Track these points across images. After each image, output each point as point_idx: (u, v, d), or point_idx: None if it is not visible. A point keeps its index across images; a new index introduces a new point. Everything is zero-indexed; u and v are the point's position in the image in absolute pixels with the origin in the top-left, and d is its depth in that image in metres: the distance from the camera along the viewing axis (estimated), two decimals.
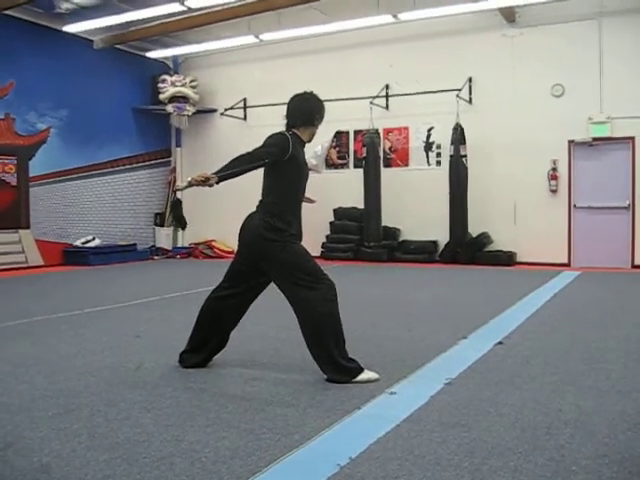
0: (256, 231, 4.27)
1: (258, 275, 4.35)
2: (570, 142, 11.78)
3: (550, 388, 3.97)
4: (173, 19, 12.43)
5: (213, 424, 3.37)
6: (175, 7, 11.03)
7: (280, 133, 4.37)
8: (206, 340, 4.54)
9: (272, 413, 3.53)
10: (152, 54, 14.53)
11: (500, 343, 5.22)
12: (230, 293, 4.44)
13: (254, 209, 4.45)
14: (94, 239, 13.40)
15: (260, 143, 4.35)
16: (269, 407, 3.64)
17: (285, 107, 4.58)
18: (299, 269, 4.21)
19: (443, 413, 3.50)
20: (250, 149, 4.25)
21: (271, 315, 6.20)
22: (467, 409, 3.56)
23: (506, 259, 11.90)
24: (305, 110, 4.48)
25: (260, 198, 4.41)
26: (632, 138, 11.32)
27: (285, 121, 4.49)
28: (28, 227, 12.53)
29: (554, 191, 11.88)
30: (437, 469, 2.78)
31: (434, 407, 3.60)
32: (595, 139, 11.56)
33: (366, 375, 4.17)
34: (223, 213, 14.42)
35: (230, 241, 13.51)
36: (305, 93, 4.62)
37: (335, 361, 4.14)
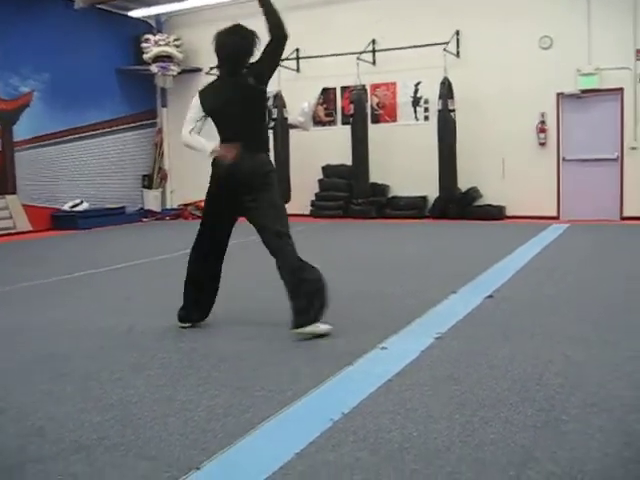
0: (262, 163, 4.38)
1: (235, 211, 4.45)
2: (559, 94, 11.70)
3: (539, 340, 4.00)
4: None
5: (205, 383, 3.39)
6: None
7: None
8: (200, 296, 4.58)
9: (264, 371, 3.55)
10: (134, 13, 14.27)
11: (490, 297, 5.25)
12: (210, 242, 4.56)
13: None
14: (82, 203, 13.30)
15: None
16: (261, 365, 3.66)
17: None
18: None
19: (434, 367, 3.52)
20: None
21: (253, 272, 6.20)
22: (458, 362, 3.59)
23: (495, 213, 11.91)
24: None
25: (242, 136, 4.34)
26: (621, 89, 11.25)
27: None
28: (15, 192, 12.43)
29: (543, 144, 11.84)
30: (429, 422, 2.81)
31: (425, 361, 3.63)
32: (583, 91, 11.48)
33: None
34: (208, 173, 14.32)
35: None
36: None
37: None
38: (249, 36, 4.45)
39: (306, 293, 4.19)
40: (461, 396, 3.09)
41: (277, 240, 4.28)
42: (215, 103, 4.45)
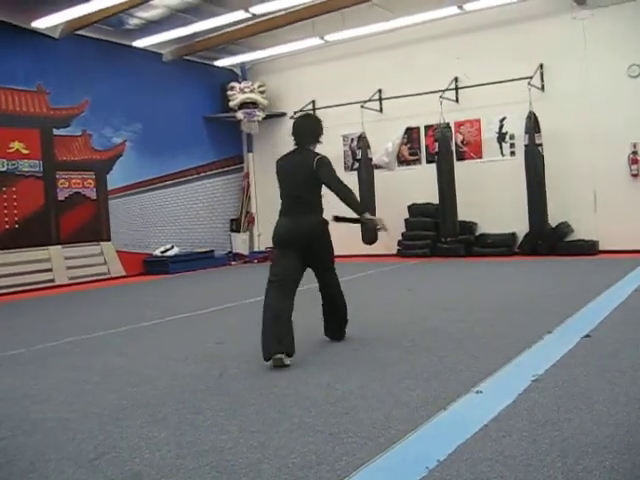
0: (318, 223, 5.26)
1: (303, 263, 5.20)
2: None
3: None
4: (238, 27, 12.57)
5: (298, 429, 3.37)
6: (240, 15, 11.17)
7: (323, 155, 5.27)
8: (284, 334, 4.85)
9: (357, 416, 3.51)
10: (220, 62, 14.75)
11: (587, 336, 5.05)
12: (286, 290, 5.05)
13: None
14: (173, 247, 13.67)
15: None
16: (353, 410, 3.61)
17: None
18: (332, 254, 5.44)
19: (532, 411, 3.40)
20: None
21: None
22: (557, 406, 3.46)
23: (588, 248, 11.56)
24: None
25: (295, 205, 5.29)
26: None
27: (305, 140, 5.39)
28: (109, 239, 12.89)
29: (635, 175, 11.47)
30: (529, 470, 2.70)
31: (522, 405, 3.50)
32: None
33: None
34: None
35: None
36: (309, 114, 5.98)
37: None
38: (312, 121, 5.59)
39: (343, 315, 5.52)
40: (562, 443, 2.96)
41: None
42: (285, 166, 5.42)
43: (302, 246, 5.12)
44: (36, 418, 3.87)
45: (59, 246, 12.03)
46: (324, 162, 5.19)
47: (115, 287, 11.57)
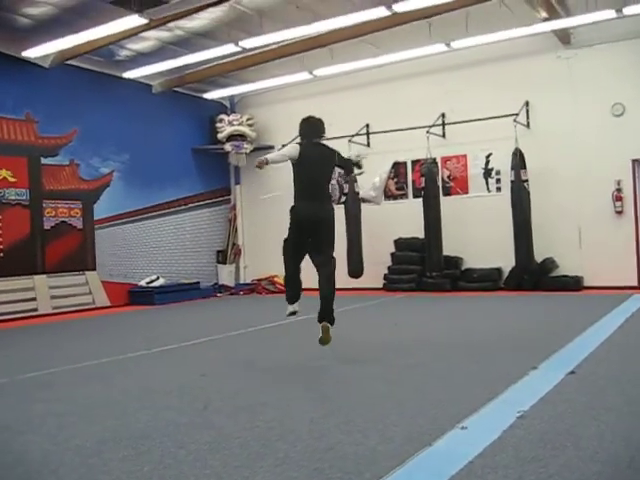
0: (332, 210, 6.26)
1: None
2: (634, 161, 11.52)
3: (628, 419, 3.82)
4: (228, 60, 12.68)
5: (282, 464, 3.33)
6: (230, 48, 11.25)
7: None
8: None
9: (341, 451, 3.48)
10: (209, 95, 14.83)
11: (572, 372, 5.06)
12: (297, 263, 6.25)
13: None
14: (158, 278, 13.62)
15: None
16: (338, 445, 3.58)
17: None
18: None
19: (518, 447, 3.39)
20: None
21: (327, 356, 6.17)
22: (543, 443, 3.44)
23: (573, 284, 11.62)
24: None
25: (316, 191, 6.22)
26: None
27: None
28: (94, 269, 12.82)
29: (620, 212, 11.59)
30: None
31: (508, 442, 3.49)
32: None
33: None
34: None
35: None
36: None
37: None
38: (320, 120, 6.58)
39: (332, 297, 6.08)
40: (548, 479, 2.95)
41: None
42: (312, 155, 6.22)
43: (316, 228, 6.06)
44: (18, 450, 3.82)
45: (44, 275, 11.96)
46: (341, 154, 6.49)
47: (99, 317, 11.48)
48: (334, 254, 6.23)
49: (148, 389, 5.28)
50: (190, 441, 3.79)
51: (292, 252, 6.19)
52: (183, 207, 14.77)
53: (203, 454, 3.55)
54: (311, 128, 6.39)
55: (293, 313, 6.32)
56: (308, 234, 6.11)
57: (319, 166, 6.19)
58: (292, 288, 6.32)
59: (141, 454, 3.60)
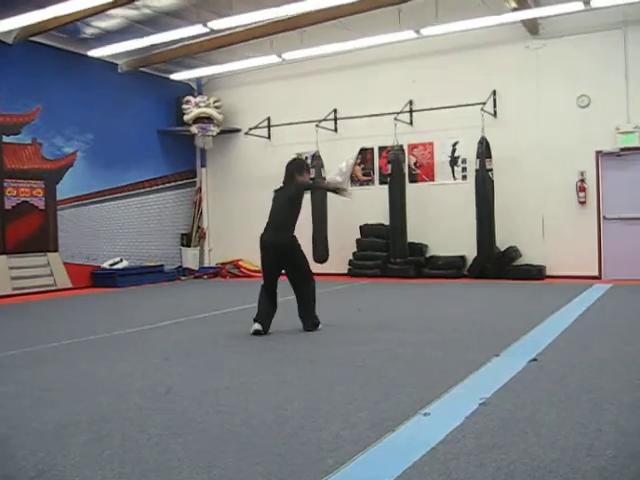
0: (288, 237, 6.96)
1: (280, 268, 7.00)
2: (598, 153, 11.66)
3: (588, 407, 3.86)
4: (196, 41, 12.53)
5: (245, 449, 3.32)
6: (198, 29, 11.09)
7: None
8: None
9: (304, 437, 3.47)
10: (176, 76, 14.64)
11: (534, 360, 5.12)
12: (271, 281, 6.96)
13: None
14: (122, 261, 13.48)
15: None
16: (301, 431, 3.57)
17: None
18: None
19: (480, 434, 3.41)
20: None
21: (293, 340, 6.16)
22: (504, 430, 3.48)
23: (535, 273, 11.76)
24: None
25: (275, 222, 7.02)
26: None
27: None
28: (56, 250, 12.64)
29: (583, 203, 11.74)
30: None
31: (470, 428, 3.51)
32: (623, 149, 11.43)
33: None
34: (250, 233, 14.42)
35: (257, 260, 13.53)
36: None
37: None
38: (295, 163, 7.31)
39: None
40: (509, 466, 2.97)
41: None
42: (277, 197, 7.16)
43: (276, 252, 6.92)
44: None
45: (4, 256, 11.75)
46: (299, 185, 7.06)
47: (61, 299, 11.33)
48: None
49: (110, 372, 5.22)
50: (151, 425, 3.75)
51: (265, 272, 6.98)
52: (148, 189, 14.61)
53: (164, 439, 3.51)
54: (285, 174, 7.13)
55: (257, 332, 6.67)
56: (272, 257, 6.92)
57: (279, 203, 7.04)
58: (261, 303, 6.87)
59: (101, 438, 3.55)
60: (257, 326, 6.68)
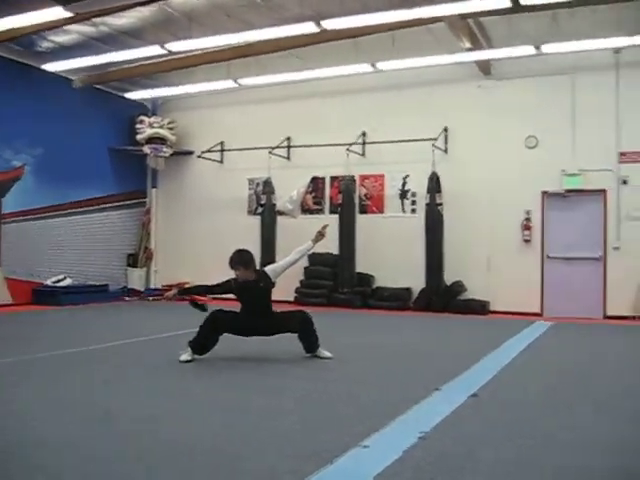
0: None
1: None
2: (544, 193, 11.94)
3: (527, 444, 3.91)
4: (153, 61, 12.50)
5: (183, 477, 3.27)
6: (156, 50, 11.07)
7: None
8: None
9: (241, 467, 3.44)
10: (131, 95, 14.56)
11: (474, 395, 5.17)
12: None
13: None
14: (65, 278, 13.22)
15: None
16: (238, 460, 3.54)
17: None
18: None
19: (418, 468, 3.43)
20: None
21: (234, 367, 6.11)
22: (441, 465, 3.50)
23: (479, 307, 11.93)
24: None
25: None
26: (604, 190, 11.51)
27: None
28: None
29: (527, 241, 11.99)
30: None
31: (408, 462, 3.53)
32: (568, 191, 11.73)
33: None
34: (197, 255, 14.36)
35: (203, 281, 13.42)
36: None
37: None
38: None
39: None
40: None
41: None
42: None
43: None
44: None
45: None
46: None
47: (1, 315, 11.04)
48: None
49: (45, 396, 5.09)
50: (89, 451, 3.67)
51: (232, 321, 6.66)
52: (96, 207, 14.40)
53: (100, 467, 3.44)
54: (243, 264, 6.75)
55: (189, 361, 6.45)
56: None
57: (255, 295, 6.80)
58: (202, 335, 6.51)
59: (37, 467, 3.43)
60: (188, 356, 6.47)
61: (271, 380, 5.80)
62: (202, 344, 6.51)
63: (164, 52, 11.18)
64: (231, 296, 6.82)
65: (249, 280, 6.66)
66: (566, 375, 6.29)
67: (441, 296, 12.08)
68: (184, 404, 4.77)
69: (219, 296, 7.44)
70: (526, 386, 5.67)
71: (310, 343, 6.84)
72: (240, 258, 6.66)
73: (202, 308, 6.68)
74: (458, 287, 12.24)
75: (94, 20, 10.67)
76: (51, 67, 12.50)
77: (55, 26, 10.53)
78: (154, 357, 6.93)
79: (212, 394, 5.20)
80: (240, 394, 5.20)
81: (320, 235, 7.22)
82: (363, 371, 6.28)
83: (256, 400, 4.99)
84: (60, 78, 13.24)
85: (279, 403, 4.87)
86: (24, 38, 11.26)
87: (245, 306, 6.76)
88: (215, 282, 6.88)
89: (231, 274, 6.67)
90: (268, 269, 6.97)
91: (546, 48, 10.43)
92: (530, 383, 5.81)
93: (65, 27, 10.84)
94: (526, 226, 11.99)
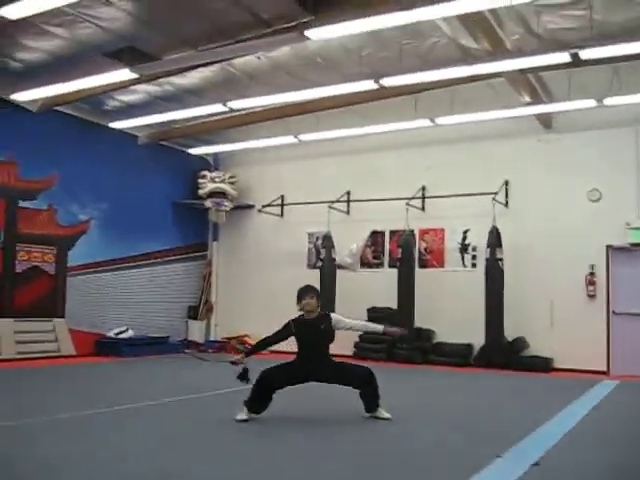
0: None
1: None
2: (608, 247, 11.68)
3: None
4: (215, 118, 12.82)
5: None
6: (218, 107, 11.36)
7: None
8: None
9: None
10: (193, 150, 14.93)
11: (536, 464, 4.98)
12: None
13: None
14: (127, 330, 13.44)
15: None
16: None
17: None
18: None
19: None
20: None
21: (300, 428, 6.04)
22: None
23: (543, 365, 11.62)
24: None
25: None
26: None
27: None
28: (63, 316, 12.64)
29: (592, 296, 11.69)
30: None
31: None
32: (633, 244, 11.44)
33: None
34: (257, 308, 14.43)
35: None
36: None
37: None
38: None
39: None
40: None
41: None
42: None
43: None
44: None
45: (11, 319, 11.76)
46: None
47: (63, 366, 11.25)
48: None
49: (104, 453, 5.09)
50: None
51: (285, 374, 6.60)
52: (159, 260, 14.69)
53: None
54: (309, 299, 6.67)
55: (245, 420, 6.37)
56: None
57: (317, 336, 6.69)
58: (256, 393, 6.46)
59: None
60: (244, 415, 6.41)
61: (319, 441, 5.71)
62: (256, 403, 6.44)
63: (226, 109, 11.46)
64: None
65: (310, 319, 6.58)
66: (632, 440, 6.03)
67: (503, 352, 11.82)
68: (255, 466, 4.70)
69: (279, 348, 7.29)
70: (591, 455, 5.45)
71: (371, 403, 6.70)
72: (308, 287, 6.70)
73: (244, 378, 6.61)
74: (521, 343, 11.97)
75: (159, 80, 11.02)
76: (118, 125, 12.94)
77: (122, 87, 10.92)
78: (210, 415, 6.91)
79: (277, 462, 5.14)
80: (303, 460, 5.13)
81: (396, 332, 7.42)
82: (419, 434, 6.14)
83: (323, 468, 4.92)
84: (126, 135, 13.69)
85: (328, 468, 4.79)
86: (92, 98, 11.68)
87: (303, 348, 6.61)
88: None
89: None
90: (333, 315, 6.83)
91: (608, 101, 10.30)
92: (596, 452, 5.58)
93: (131, 87, 11.23)
94: (590, 281, 11.71)
